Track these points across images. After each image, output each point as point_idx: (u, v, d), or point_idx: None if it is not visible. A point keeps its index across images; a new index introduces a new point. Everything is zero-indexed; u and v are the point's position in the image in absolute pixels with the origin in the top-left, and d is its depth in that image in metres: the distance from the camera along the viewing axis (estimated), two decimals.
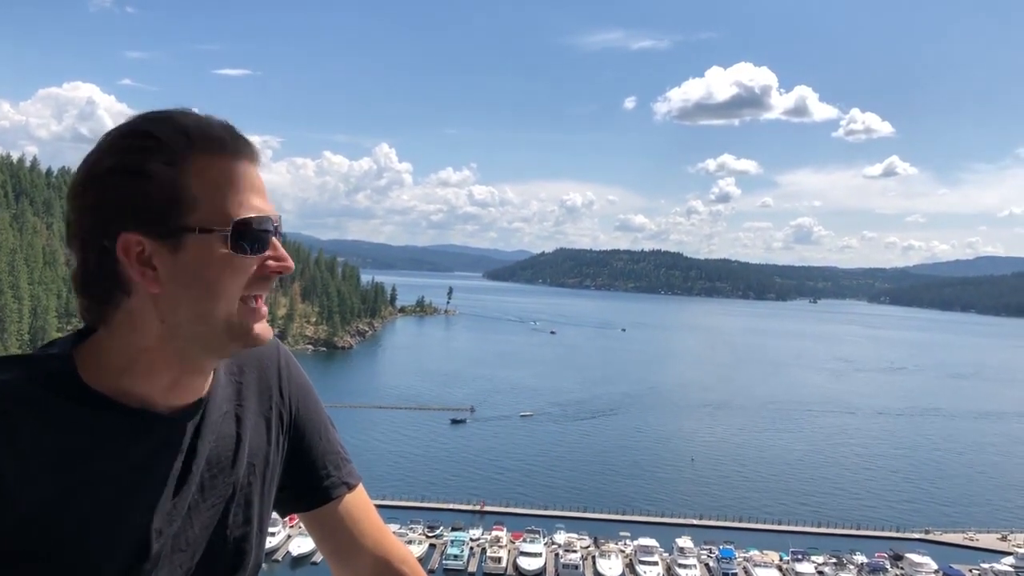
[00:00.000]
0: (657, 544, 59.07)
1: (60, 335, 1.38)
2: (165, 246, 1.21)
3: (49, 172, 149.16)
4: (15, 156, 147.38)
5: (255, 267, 1.24)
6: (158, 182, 1.19)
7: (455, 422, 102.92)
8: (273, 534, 52.61)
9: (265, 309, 1.29)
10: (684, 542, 59.31)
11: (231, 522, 1.43)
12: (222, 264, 1.22)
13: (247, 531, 1.46)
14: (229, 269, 1.22)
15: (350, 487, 1.69)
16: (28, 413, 1.19)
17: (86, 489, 1.21)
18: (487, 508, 67.39)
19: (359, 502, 1.71)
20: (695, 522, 66.31)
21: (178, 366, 1.29)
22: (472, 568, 56.46)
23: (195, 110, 1.28)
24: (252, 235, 1.22)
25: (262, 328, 1.28)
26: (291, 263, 1.28)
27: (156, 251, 1.21)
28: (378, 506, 1.75)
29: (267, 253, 1.25)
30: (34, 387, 1.21)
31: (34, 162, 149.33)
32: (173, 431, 1.33)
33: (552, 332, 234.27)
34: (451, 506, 67.59)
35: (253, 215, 1.23)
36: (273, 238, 1.26)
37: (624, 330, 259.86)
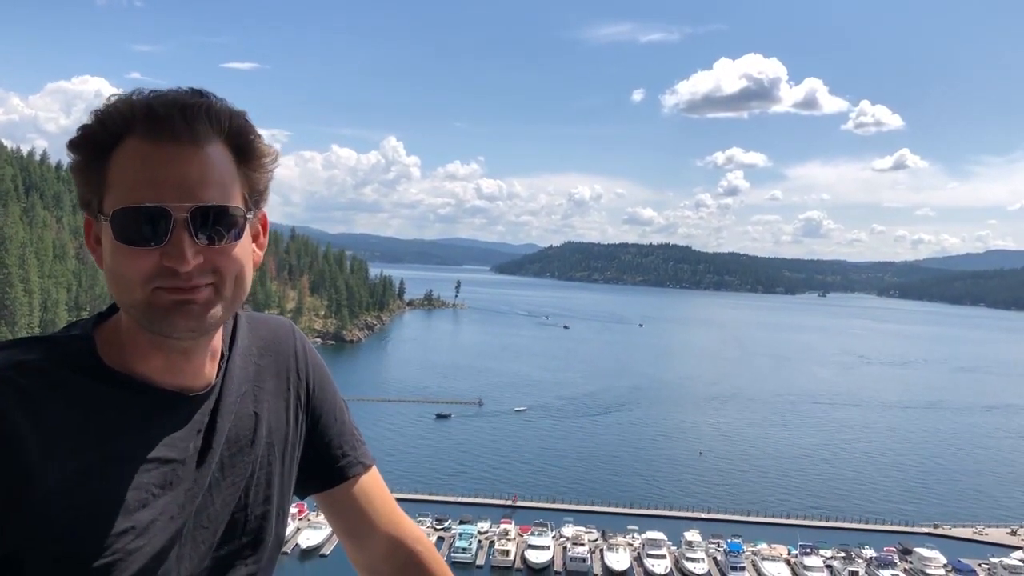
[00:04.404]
0: (665, 537, 59.01)
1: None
2: (102, 228, 1.22)
3: (59, 166, 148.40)
4: (25, 150, 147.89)
5: (156, 257, 1.17)
6: (93, 167, 1.20)
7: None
8: None
9: (193, 296, 1.20)
10: (692, 535, 59.37)
11: (251, 500, 1.43)
12: (114, 252, 1.20)
13: (267, 509, 1.46)
14: (121, 258, 1.19)
15: (366, 467, 1.69)
16: (52, 391, 1.18)
17: (110, 466, 1.21)
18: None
19: (374, 483, 1.71)
20: (703, 516, 66.25)
21: (155, 346, 1.27)
22: (480, 561, 56.45)
23: (185, 88, 1.23)
24: (128, 226, 1.17)
25: (181, 318, 1.20)
26: (180, 264, 1.17)
27: (101, 232, 1.23)
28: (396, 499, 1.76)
29: (158, 246, 1.17)
30: (56, 366, 1.21)
31: (43, 156, 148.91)
32: (192, 410, 1.33)
33: (565, 327, 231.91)
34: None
35: (130, 205, 1.16)
36: (183, 232, 1.16)
37: (642, 325, 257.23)
